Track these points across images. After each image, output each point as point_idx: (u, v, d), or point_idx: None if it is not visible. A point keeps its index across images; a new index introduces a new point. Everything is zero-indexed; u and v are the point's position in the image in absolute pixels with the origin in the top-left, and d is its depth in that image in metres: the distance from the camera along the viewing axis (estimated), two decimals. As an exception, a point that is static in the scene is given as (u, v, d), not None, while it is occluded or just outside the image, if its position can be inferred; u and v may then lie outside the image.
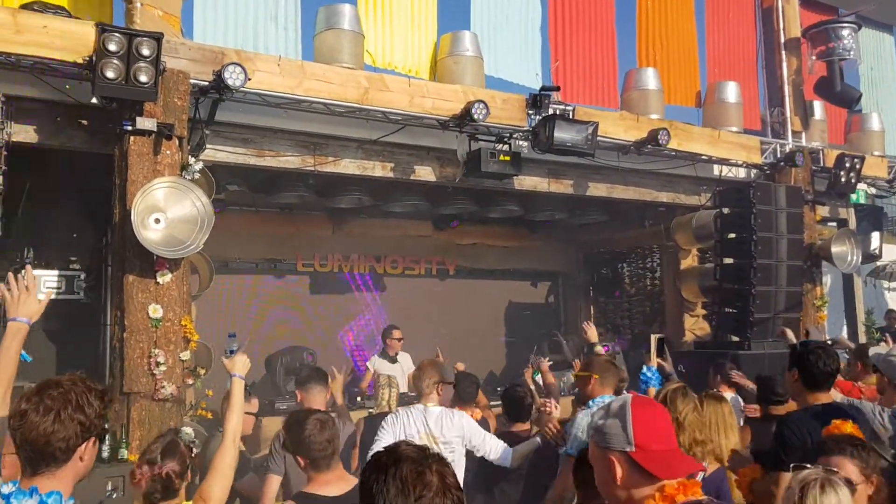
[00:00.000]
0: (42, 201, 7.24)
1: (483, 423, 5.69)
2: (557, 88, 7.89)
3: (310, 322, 9.65)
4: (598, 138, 7.79)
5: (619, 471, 2.04)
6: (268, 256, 9.75)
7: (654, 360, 6.16)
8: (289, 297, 9.76)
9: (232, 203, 8.86)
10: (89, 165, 6.27)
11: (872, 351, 5.32)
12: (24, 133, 6.02)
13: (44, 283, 6.62)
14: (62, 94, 5.89)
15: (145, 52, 5.37)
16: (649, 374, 5.88)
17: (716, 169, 9.59)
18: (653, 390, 5.50)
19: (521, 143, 7.88)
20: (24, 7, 5.65)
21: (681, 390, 3.92)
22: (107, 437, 5.30)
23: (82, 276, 6.76)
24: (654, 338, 6.49)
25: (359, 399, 8.15)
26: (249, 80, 6.03)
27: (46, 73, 5.71)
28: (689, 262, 10.32)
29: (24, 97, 5.89)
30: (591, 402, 4.65)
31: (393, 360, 8.62)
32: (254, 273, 9.68)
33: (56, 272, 6.72)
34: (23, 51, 5.44)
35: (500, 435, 5.32)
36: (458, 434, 4.64)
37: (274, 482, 4.27)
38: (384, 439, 4.43)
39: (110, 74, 5.30)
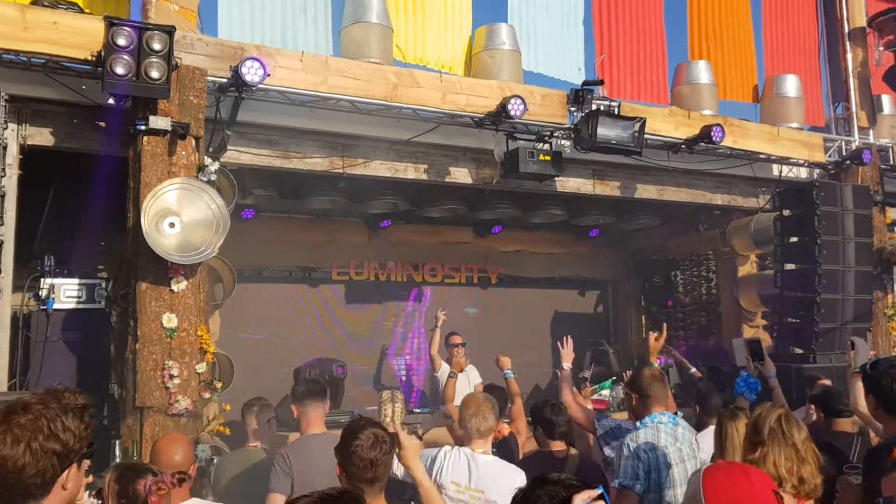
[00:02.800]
0: (69, 207, 7.07)
1: (511, 438, 5.25)
2: (601, 82, 7.40)
3: (345, 333, 9.29)
4: (646, 136, 7.28)
5: None
6: (302, 265, 9.42)
7: (751, 367, 5.59)
8: (323, 306, 9.41)
9: (264, 209, 8.58)
10: (120, 170, 6.01)
11: None
12: (40, 136, 5.82)
13: (63, 293, 6.40)
14: (78, 95, 5.66)
15: (156, 46, 5.09)
16: (741, 384, 5.32)
17: (775, 168, 8.95)
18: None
19: (562, 142, 7.41)
20: (34, 3, 5.42)
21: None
22: (116, 449, 5.05)
23: (103, 285, 6.49)
24: (742, 342, 5.93)
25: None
26: (269, 75, 5.70)
27: (59, 72, 5.49)
28: (748, 268, 9.69)
29: (38, 98, 5.69)
30: (638, 423, 4.17)
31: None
32: (287, 282, 9.37)
33: (76, 281, 6.48)
34: (32, 48, 5.22)
35: (536, 454, 4.85)
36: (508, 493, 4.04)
37: (276, 501, 3.88)
38: None
39: (120, 70, 5.03)
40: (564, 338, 5.70)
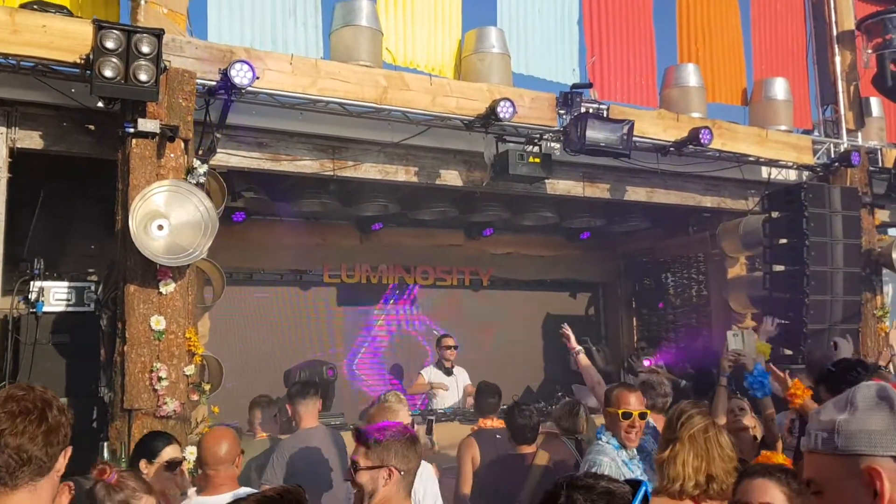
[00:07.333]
0: (60, 211, 7.08)
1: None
2: (590, 85, 7.44)
3: (335, 335, 9.31)
4: (636, 139, 7.30)
5: (887, 486, 1.43)
6: (293, 267, 9.45)
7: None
8: (314, 309, 9.43)
9: (255, 212, 8.60)
10: (109, 173, 6.01)
11: None
12: (30, 139, 5.82)
13: (53, 296, 6.39)
14: (68, 98, 5.67)
15: (145, 49, 5.09)
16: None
17: (764, 171, 8.99)
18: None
19: (552, 144, 7.44)
20: (23, 6, 5.43)
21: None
22: (105, 451, 5.06)
23: (92, 288, 6.49)
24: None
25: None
26: (258, 78, 5.71)
27: (48, 75, 5.49)
28: (737, 270, 9.73)
29: (28, 102, 5.70)
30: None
31: (448, 373, 8.15)
32: (279, 285, 9.39)
33: (66, 284, 6.48)
34: (21, 51, 5.23)
35: (506, 457, 4.86)
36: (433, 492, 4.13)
37: None
38: None
39: (108, 73, 5.03)
40: (563, 325, 5.49)
